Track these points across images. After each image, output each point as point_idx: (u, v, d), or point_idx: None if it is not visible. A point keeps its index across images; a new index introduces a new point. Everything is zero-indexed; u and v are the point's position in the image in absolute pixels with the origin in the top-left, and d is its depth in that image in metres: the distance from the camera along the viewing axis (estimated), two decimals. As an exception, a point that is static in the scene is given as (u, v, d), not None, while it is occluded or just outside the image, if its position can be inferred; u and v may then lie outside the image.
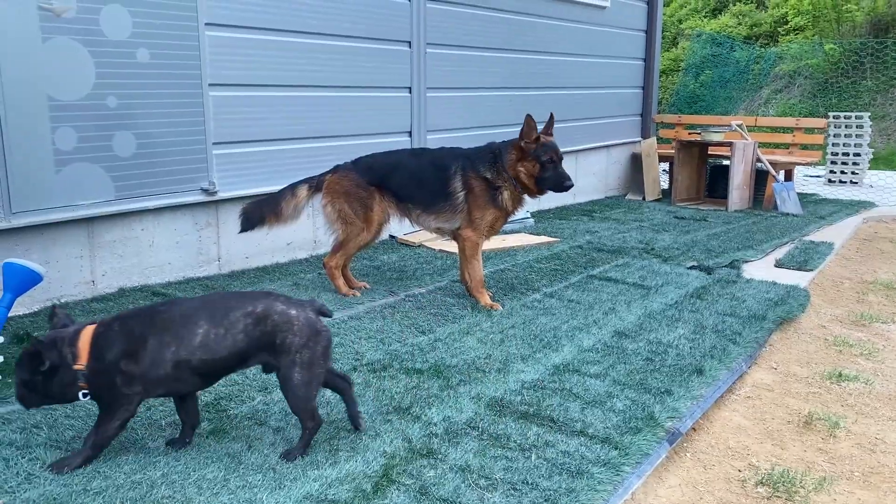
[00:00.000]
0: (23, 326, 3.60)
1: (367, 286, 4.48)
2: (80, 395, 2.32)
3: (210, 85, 4.53)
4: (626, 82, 8.85)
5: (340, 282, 4.33)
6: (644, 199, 8.42)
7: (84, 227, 4.11)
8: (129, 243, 4.33)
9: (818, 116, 11.26)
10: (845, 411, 3.16)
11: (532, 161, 4.03)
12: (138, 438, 2.53)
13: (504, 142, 4.18)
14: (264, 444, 2.50)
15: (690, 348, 3.53)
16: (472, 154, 4.22)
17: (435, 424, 2.67)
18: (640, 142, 8.90)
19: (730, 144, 7.66)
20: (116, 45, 4.05)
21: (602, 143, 8.47)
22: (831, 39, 14.41)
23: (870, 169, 10.19)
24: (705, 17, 17.82)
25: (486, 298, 4.17)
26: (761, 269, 5.17)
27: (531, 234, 6.21)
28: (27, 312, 3.84)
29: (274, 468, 2.34)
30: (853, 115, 9.86)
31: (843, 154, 9.91)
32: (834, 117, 9.93)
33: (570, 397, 2.94)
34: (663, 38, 13.20)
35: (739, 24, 16.70)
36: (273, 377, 3.05)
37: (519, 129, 4.07)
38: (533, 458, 2.47)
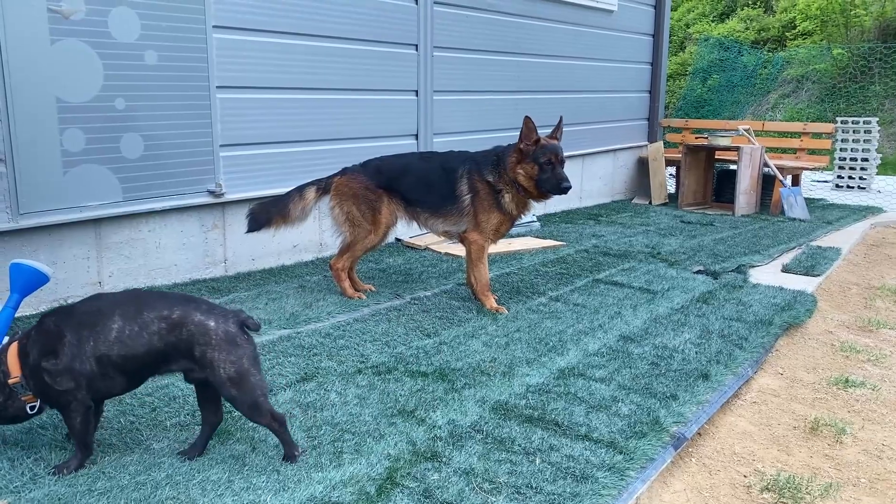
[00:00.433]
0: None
1: (373, 289, 4.48)
2: (28, 409, 2.30)
3: (217, 87, 4.55)
4: (633, 86, 8.83)
5: (346, 284, 4.33)
6: (651, 203, 8.40)
7: (91, 228, 4.13)
8: (136, 245, 4.35)
9: (826, 121, 11.21)
10: (852, 417, 3.15)
11: (530, 163, 3.99)
12: (143, 440, 2.54)
13: (509, 145, 4.17)
14: (268, 446, 2.50)
15: (696, 353, 3.52)
16: (478, 157, 4.21)
17: (439, 427, 2.67)
18: (646, 146, 8.88)
19: (737, 149, 7.64)
20: (125, 47, 4.07)
21: (609, 147, 8.45)
22: (839, 44, 14.37)
23: (878, 174, 10.14)
24: (713, 21, 17.80)
25: (491, 302, 4.17)
26: (768, 274, 5.15)
27: (537, 237, 6.20)
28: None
29: (278, 470, 2.34)
30: (861, 119, 9.83)
31: (851, 159, 9.87)
32: (842, 122, 9.91)
33: (575, 401, 2.94)
34: (671, 42, 13.20)
35: (747, 28, 16.67)
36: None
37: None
38: (537, 462, 2.46)
